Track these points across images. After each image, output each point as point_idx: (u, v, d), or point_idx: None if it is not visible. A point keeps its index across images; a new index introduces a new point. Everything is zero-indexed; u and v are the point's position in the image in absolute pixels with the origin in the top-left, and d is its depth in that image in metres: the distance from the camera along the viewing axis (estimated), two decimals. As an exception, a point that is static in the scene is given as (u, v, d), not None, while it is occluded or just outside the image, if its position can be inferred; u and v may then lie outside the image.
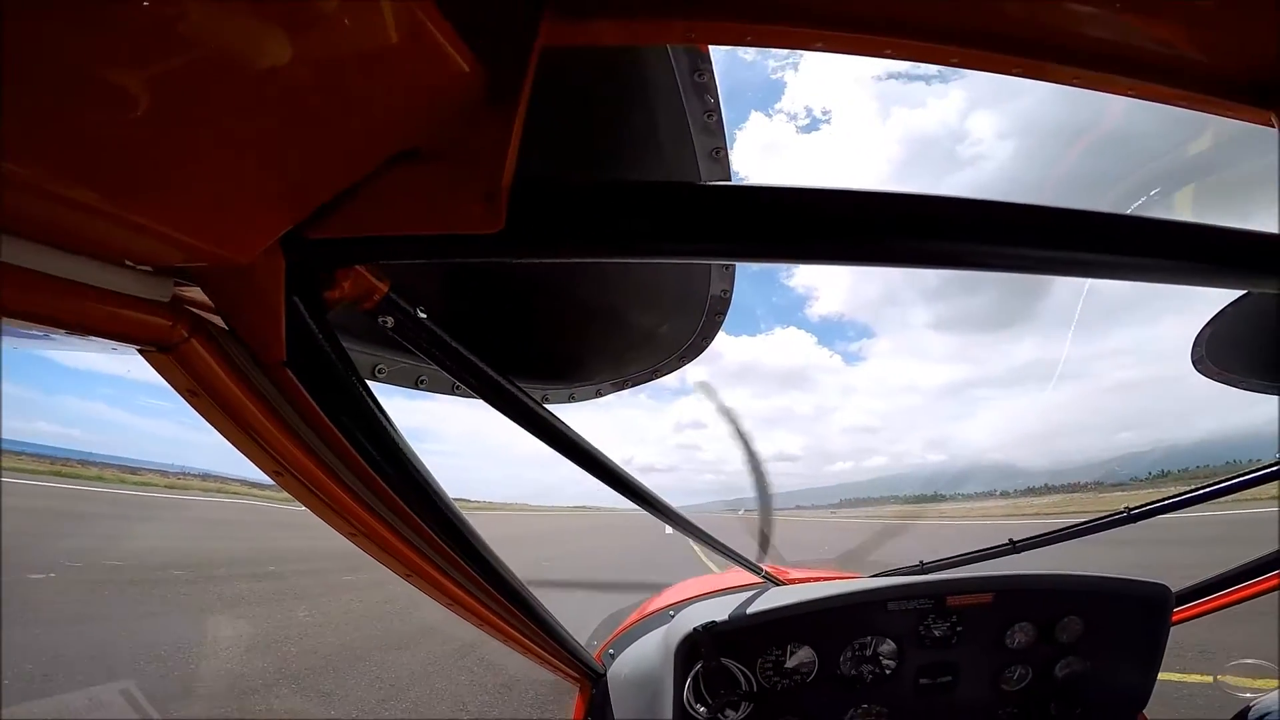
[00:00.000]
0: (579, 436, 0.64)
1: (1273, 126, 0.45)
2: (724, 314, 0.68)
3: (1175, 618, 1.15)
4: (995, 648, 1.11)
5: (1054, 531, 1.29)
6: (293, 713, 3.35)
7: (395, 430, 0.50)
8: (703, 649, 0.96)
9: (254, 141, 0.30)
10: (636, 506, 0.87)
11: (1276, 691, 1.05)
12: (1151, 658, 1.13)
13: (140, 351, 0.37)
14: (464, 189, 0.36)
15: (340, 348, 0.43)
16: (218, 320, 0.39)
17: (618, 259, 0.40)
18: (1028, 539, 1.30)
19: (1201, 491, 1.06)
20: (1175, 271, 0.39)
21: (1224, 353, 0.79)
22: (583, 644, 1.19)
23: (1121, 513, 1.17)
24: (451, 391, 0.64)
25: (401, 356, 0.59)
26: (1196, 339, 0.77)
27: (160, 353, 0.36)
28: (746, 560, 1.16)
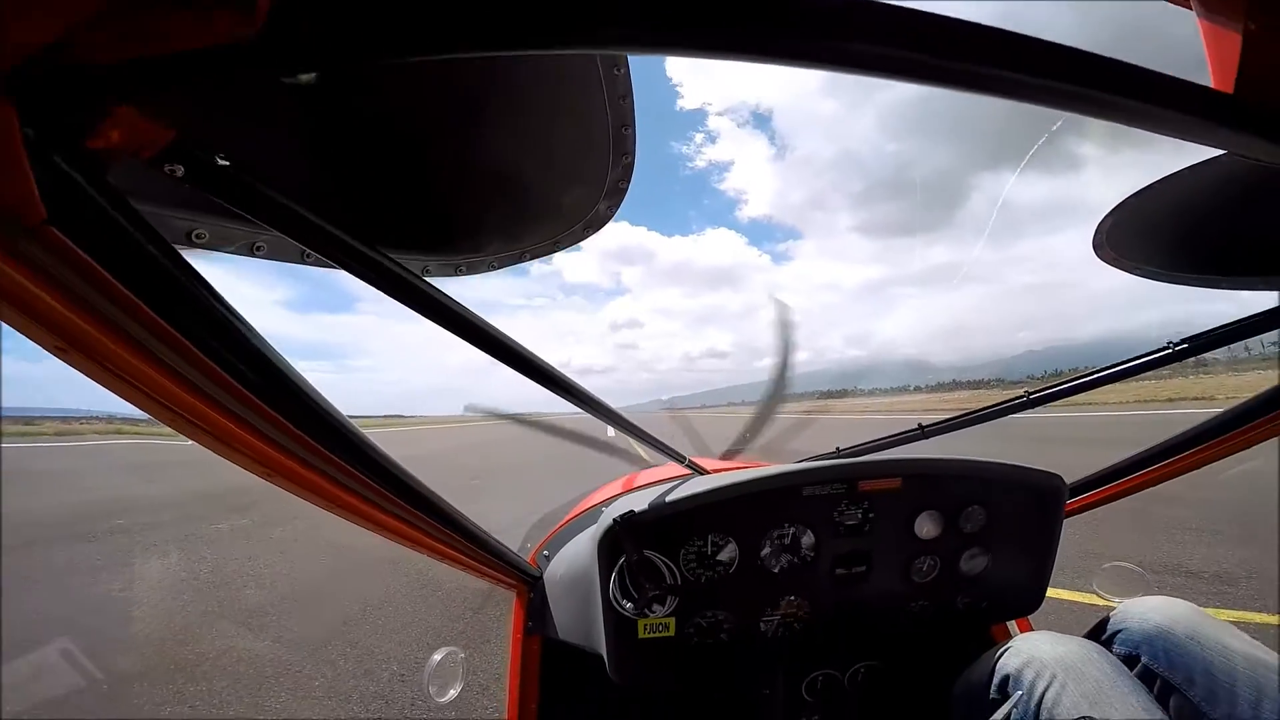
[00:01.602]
0: (477, 317, 0.58)
1: (1190, 9, 0.44)
2: (628, 181, 0.63)
3: (1068, 508, 1.21)
4: (905, 537, 1.15)
5: (960, 416, 1.32)
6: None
7: (243, 321, 0.44)
8: (624, 542, 0.95)
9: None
10: (575, 409, 0.83)
11: (1140, 598, 1.12)
12: (1047, 550, 1.19)
13: None
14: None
15: (126, 205, 0.36)
16: None
17: (438, 55, 0.31)
18: (935, 424, 1.34)
19: (1095, 376, 1.08)
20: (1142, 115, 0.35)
21: (1124, 240, 0.82)
22: (517, 549, 1.20)
23: (1021, 398, 1.19)
24: (302, 260, 0.55)
25: (228, 221, 0.51)
26: (1099, 225, 0.79)
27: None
28: (671, 450, 1.15)
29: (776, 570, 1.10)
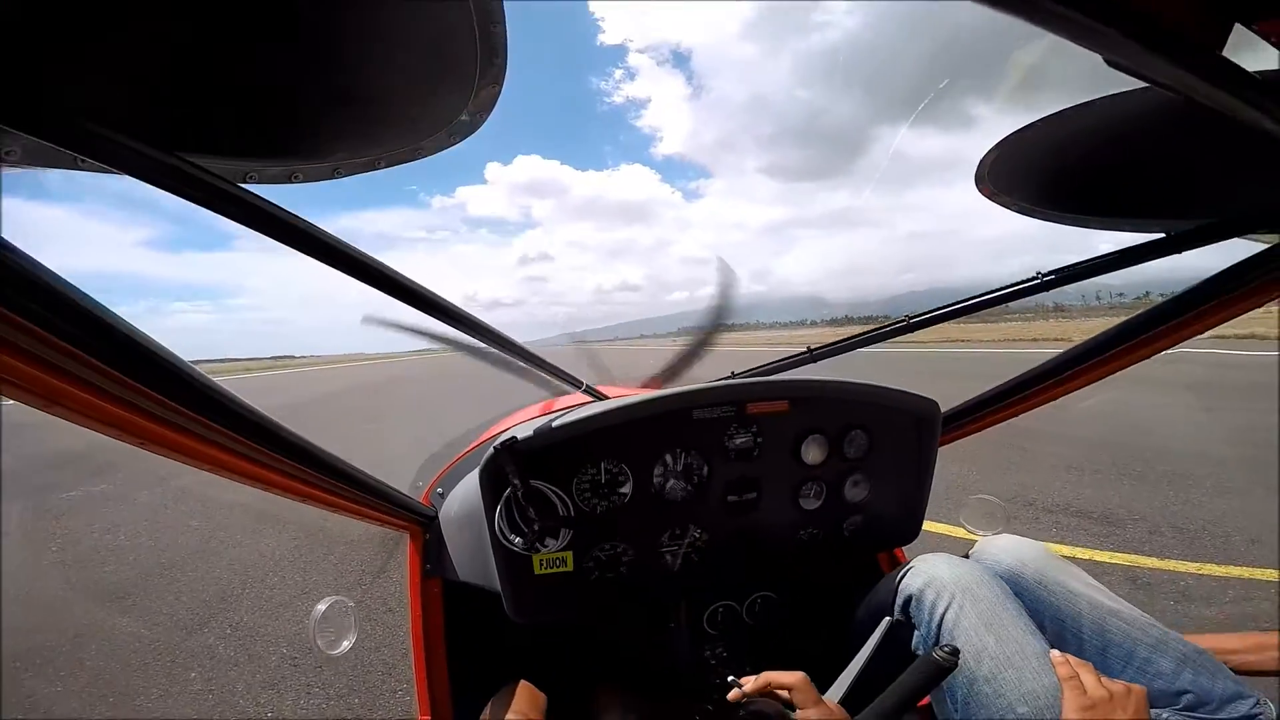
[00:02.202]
0: (322, 231, 0.53)
1: None
2: (499, 86, 0.57)
3: (943, 440, 1.27)
4: (793, 462, 1.17)
5: (846, 339, 1.36)
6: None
7: (51, 274, 0.38)
8: (507, 471, 0.90)
9: None
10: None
11: (994, 537, 1.19)
12: (922, 476, 1.26)
13: None
14: None
15: None
16: None
17: None
18: (823, 347, 1.38)
19: (970, 302, 1.16)
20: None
21: (1003, 175, 0.84)
22: (408, 488, 1.14)
23: (901, 321, 1.24)
24: (75, 166, 0.47)
25: None
26: (982, 159, 0.81)
27: None
28: (569, 375, 1.10)
29: (672, 499, 1.10)
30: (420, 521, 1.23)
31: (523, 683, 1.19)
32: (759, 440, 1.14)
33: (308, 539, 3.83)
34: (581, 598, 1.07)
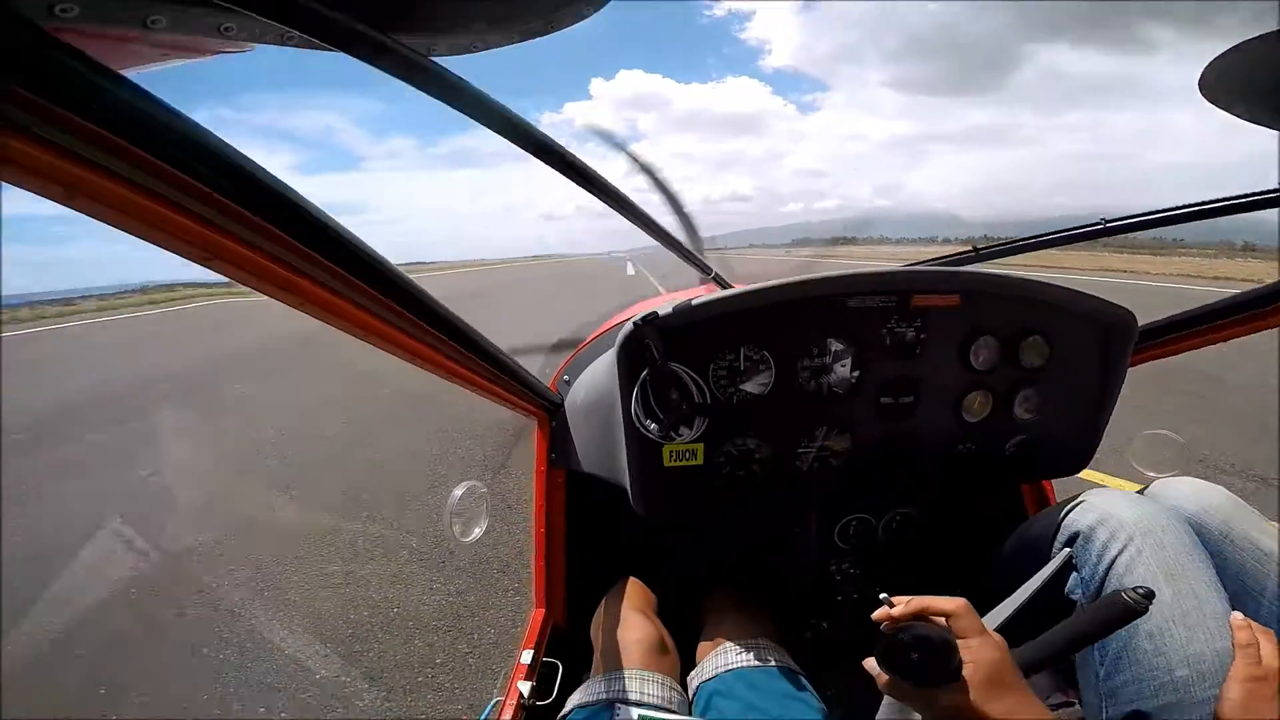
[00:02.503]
0: (490, 98, 0.55)
1: None
2: None
3: (1133, 360, 1.10)
4: (959, 366, 1.04)
5: (1021, 240, 1.18)
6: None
7: (223, 142, 0.41)
8: (646, 349, 0.85)
9: None
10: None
11: (1174, 478, 1.03)
12: (1106, 397, 1.09)
13: None
14: None
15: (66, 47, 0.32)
16: None
17: None
18: (991, 245, 1.20)
19: (1179, 212, 1.01)
20: None
21: (1232, 82, 0.77)
22: (537, 377, 1.13)
23: (1097, 224, 1.08)
24: (281, 41, 0.49)
25: (186, 6, 0.45)
26: (1209, 64, 0.73)
27: None
28: (699, 260, 1.01)
29: (815, 394, 1.00)
30: (547, 408, 1.22)
31: (634, 580, 1.20)
32: (922, 337, 1.00)
33: (437, 435, 4.17)
34: (709, 494, 1.01)
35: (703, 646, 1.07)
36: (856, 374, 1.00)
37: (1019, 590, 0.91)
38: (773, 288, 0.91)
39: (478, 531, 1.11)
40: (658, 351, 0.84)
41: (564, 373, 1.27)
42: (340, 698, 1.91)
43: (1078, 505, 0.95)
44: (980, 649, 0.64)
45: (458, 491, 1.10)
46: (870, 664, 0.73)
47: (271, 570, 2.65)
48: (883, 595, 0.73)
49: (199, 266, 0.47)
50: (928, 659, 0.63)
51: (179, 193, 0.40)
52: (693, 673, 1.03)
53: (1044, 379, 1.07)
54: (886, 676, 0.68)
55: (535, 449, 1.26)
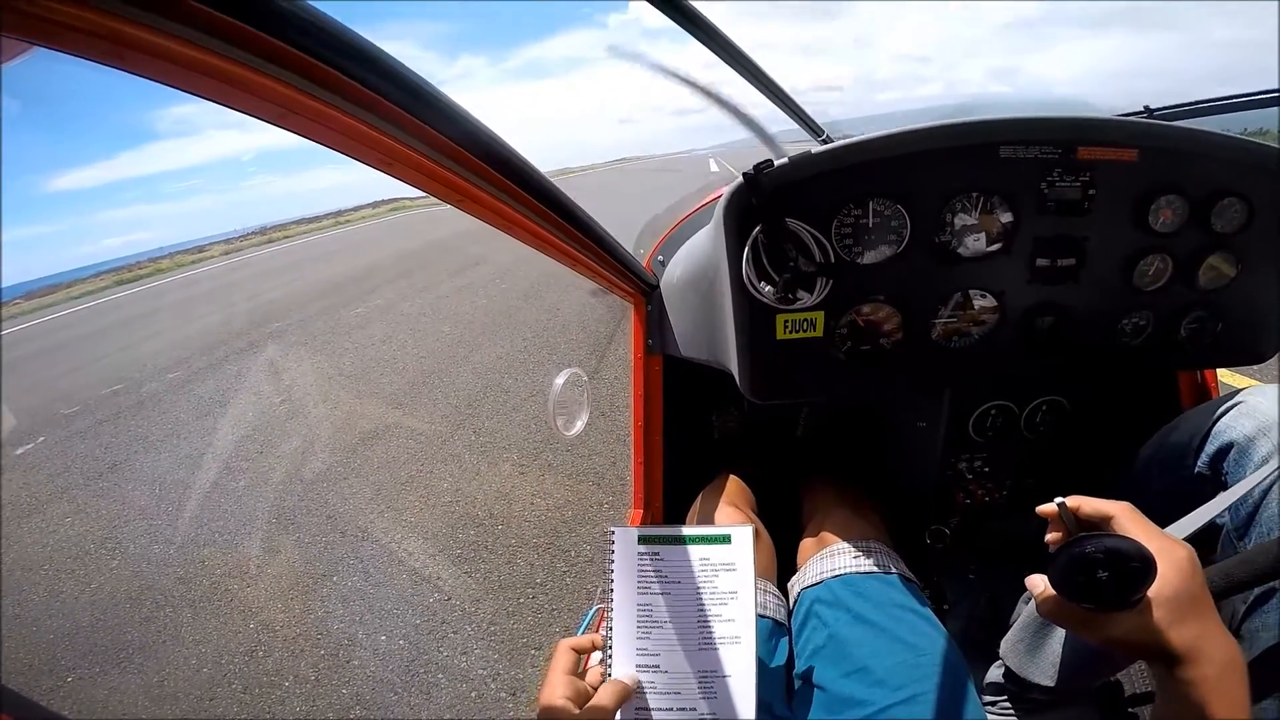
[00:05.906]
0: None
1: None
2: None
3: None
4: (1134, 226, 0.88)
5: (1199, 102, 1.01)
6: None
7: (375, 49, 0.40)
8: (757, 201, 0.75)
9: None
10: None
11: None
12: None
13: None
14: None
15: None
16: None
17: None
18: (1166, 108, 1.02)
19: None
20: None
21: None
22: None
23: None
24: None
25: None
26: None
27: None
28: (808, 117, 0.92)
29: (959, 253, 0.85)
30: (644, 290, 1.16)
31: (732, 476, 1.12)
32: (1091, 193, 0.84)
33: (535, 338, 4.46)
34: (827, 373, 0.90)
35: (806, 545, 0.98)
36: (1008, 231, 0.86)
37: (1211, 502, 0.74)
38: (909, 132, 0.79)
39: (580, 424, 1.07)
40: (769, 209, 0.75)
41: (658, 252, 1.20)
42: (449, 622, 2.05)
43: (1234, 408, 0.77)
44: (1167, 563, 0.51)
45: (559, 380, 1.05)
46: (1036, 581, 0.60)
47: (386, 486, 2.91)
48: (1059, 501, 0.59)
49: (379, 171, 0.50)
50: (1118, 578, 0.50)
51: (348, 101, 0.40)
52: (794, 578, 0.94)
53: (1239, 247, 0.90)
54: (1053, 596, 0.55)
55: (632, 336, 1.22)
